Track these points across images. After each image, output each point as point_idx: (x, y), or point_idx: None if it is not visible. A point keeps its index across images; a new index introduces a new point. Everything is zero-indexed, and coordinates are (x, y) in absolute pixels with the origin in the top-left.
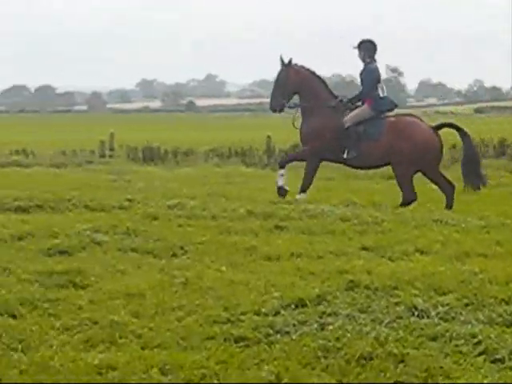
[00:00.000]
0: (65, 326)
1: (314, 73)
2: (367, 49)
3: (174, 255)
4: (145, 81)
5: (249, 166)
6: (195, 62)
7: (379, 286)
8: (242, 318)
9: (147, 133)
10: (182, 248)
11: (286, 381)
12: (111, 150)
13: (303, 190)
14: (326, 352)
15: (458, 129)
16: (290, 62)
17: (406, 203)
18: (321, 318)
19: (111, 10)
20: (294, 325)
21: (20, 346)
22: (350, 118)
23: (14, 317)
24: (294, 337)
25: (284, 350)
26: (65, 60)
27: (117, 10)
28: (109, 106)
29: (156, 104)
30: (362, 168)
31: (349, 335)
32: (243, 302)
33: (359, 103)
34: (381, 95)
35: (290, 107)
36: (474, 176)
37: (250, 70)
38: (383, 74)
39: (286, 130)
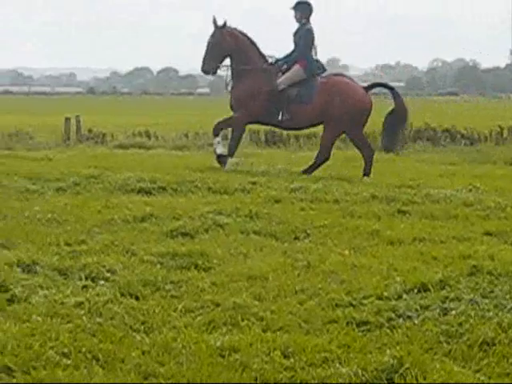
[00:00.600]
0: (187, 307)
1: (246, 35)
2: (303, 9)
3: (297, 238)
4: None
5: None
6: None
7: (502, 271)
8: (364, 301)
9: None
10: (304, 231)
11: (407, 365)
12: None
13: (231, 155)
14: (448, 337)
15: (391, 88)
16: (224, 24)
17: (319, 162)
18: (443, 302)
19: None
20: (417, 309)
21: (142, 328)
22: (283, 80)
23: (136, 298)
24: (416, 321)
25: (406, 334)
26: (190, 42)
27: None
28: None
29: None
30: (294, 129)
31: (471, 321)
32: (365, 286)
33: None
34: (314, 57)
35: (222, 69)
36: (395, 138)
37: (373, 54)
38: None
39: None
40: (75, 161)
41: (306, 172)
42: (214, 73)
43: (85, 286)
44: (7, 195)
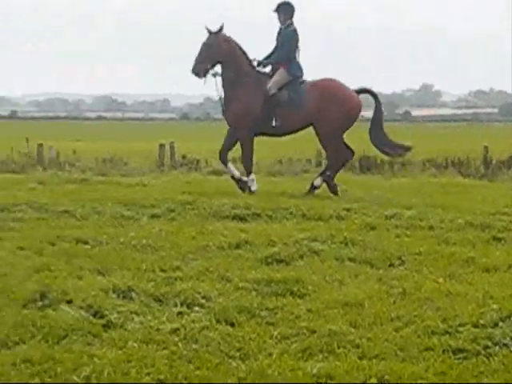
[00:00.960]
0: (283, 334)
1: (238, 44)
2: (286, 11)
3: (392, 265)
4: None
5: (465, 177)
6: (411, 71)
7: None
8: (460, 329)
9: (363, 142)
10: (399, 258)
11: None
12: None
13: (249, 172)
14: None
15: (375, 96)
16: (221, 28)
17: (337, 168)
18: None
19: None
20: None
21: (238, 354)
22: (272, 85)
23: (232, 325)
24: None
25: (503, 362)
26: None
27: None
28: None
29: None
30: (284, 134)
31: None
32: (461, 314)
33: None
34: (297, 59)
35: (213, 75)
36: (386, 143)
37: (466, 80)
38: None
39: (503, 140)
40: (169, 187)
41: (333, 189)
42: (204, 75)
43: (180, 313)
44: (102, 221)
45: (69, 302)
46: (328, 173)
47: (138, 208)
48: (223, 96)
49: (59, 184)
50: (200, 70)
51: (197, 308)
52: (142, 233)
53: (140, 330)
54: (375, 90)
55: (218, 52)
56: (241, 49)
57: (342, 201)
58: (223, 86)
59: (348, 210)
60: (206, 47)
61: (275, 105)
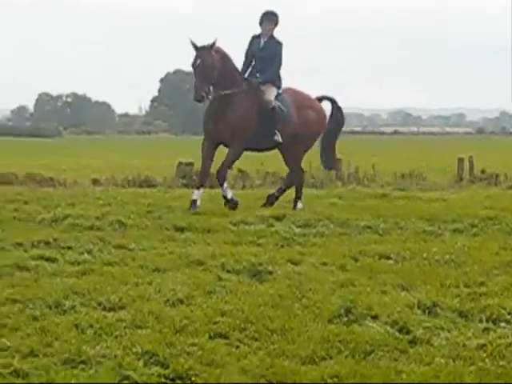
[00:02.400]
0: None
1: (229, 56)
2: (270, 20)
3: None
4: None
5: None
6: None
7: None
8: None
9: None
10: None
11: None
12: None
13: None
14: None
15: (335, 102)
16: (213, 44)
17: (300, 186)
18: None
19: None
20: None
21: None
22: (269, 97)
23: None
24: None
25: None
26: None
27: None
28: None
29: None
30: (269, 150)
31: None
32: None
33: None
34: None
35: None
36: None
37: None
38: None
39: None
40: (470, 201)
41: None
42: (207, 98)
43: (486, 329)
44: (404, 236)
45: (374, 317)
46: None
47: (439, 223)
48: (211, 109)
49: (359, 199)
50: (203, 94)
51: (503, 324)
52: (444, 248)
53: (446, 345)
54: None
55: (216, 70)
56: (231, 61)
57: None
58: (215, 100)
59: None
60: (203, 68)
61: (275, 118)
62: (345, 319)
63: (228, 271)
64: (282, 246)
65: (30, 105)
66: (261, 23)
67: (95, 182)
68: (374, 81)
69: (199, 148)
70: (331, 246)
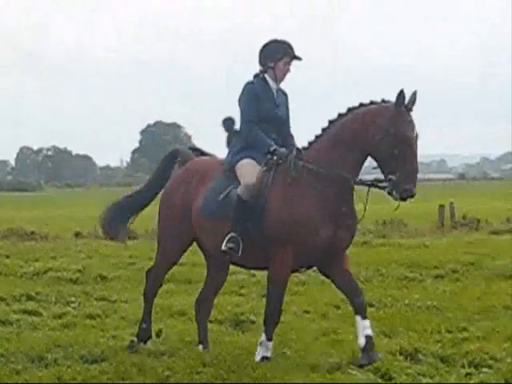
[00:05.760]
0: None
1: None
2: (290, 56)
3: None
4: None
5: None
6: None
7: None
8: None
9: None
10: None
11: None
12: None
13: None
14: None
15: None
16: None
17: None
18: None
19: None
20: None
21: None
22: None
23: None
24: None
25: None
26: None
27: None
28: None
29: None
30: None
31: None
32: None
33: None
34: None
35: None
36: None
37: None
38: None
39: None
40: (451, 247)
41: None
42: None
43: (468, 374)
44: (386, 283)
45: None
46: None
47: (421, 269)
48: None
49: None
50: None
51: (485, 369)
52: (426, 294)
53: None
54: None
55: None
56: None
57: None
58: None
59: None
60: None
61: None
62: (327, 367)
63: (210, 321)
64: (264, 296)
65: (11, 159)
66: (271, 61)
67: (77, 234)
68: None
69: None
70: (313, 294)
